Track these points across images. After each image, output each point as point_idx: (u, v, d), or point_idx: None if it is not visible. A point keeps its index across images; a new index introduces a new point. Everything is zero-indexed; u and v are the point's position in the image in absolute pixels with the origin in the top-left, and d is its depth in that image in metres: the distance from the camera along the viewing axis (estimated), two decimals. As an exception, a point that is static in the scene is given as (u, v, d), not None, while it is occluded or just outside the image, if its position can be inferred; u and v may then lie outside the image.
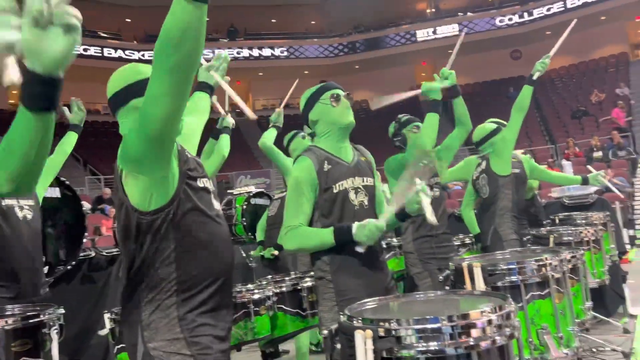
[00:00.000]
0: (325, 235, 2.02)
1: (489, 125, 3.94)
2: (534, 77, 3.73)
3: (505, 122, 4.39)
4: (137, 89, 1.62)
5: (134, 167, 1.51)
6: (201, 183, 1.61)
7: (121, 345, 2.47)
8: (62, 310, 2.27)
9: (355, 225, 1.97)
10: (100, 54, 21.38)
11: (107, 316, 2.52)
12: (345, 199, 2.09)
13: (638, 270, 7.20)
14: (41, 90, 0.99)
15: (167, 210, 1.49)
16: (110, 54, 21.66)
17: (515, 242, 3.54)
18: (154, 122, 1.30)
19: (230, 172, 16.94)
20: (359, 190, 2.13)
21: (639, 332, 4.19)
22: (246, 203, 5.17)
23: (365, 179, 2.18)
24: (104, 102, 22.82)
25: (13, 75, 1.10)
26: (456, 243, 5.04)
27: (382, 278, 2.16)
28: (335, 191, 2.08)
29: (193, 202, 1.55)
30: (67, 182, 4.10)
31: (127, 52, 21.99)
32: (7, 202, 2.53)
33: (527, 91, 3.73)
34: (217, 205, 1.65)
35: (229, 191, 6.10)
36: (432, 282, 3.00)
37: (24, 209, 2.61)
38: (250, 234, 5.00)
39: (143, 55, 22.02)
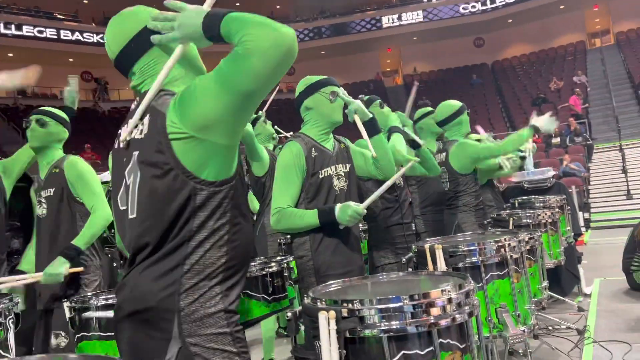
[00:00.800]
0: (310, 217, 2.19)
1: (454, 102, 3.80)
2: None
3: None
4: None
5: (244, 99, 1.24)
6: None
7: (82, 334, 2.42)
8: (18, 300, 2.21)
9: (337, 208, 2.16)
10: (57, 36, 20.59)
11: (66, 305, 2.45)
12: (330, 185, 2.28)
13: (592, 252, 7.51)
14: None
15: (230, 185, 1.30)
16: (67, 36, 20.87)
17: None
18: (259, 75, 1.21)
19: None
20: (340, 176, 2.33)
21: (592, 311, 4.38)
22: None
23: (345, 165, 2.38)
24: (61, 86, 22.06)
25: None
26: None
27: (358, 258, 2.33)
28: (321, 176, 2.26)
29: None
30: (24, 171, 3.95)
31: (85, 34, 21.23)
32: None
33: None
34: None
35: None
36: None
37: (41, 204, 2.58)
38: None
39: (102, 38, 21.23)
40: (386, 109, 3.16)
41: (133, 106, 1.42)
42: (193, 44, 1.41)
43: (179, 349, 1.23)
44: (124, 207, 1.37)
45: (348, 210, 2.13)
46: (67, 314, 2.42)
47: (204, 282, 1.27)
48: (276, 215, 2.21)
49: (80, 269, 2.66)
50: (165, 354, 1.23)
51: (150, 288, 1.27)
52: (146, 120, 1.32)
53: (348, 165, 2.40)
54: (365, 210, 2.18)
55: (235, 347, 1.27)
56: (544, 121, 3.62)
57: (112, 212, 1.47)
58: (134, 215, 1.32)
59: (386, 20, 23.88)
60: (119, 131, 1.45)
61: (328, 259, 2.21)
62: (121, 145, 1.40)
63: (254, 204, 4.09)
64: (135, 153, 1.32)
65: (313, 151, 2.28)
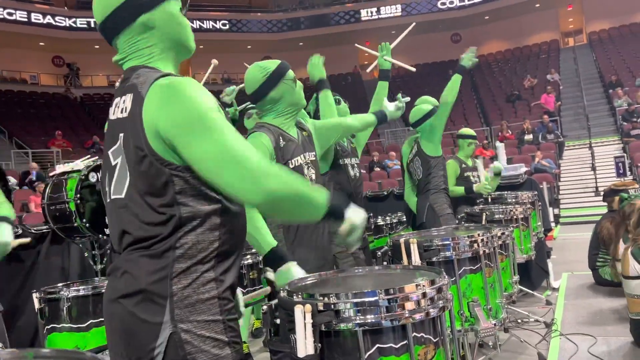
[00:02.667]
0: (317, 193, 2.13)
1: (424, 106, 4.01)
2: (466, 67, 3.84)
3: (472, 133, 4.74)
4: (143, 1, 1.31)
5: None
6: None
7: (52, 325, 2.38)
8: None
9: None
10: (27, 19, 19.95)
11: (35, 295, 2.41)
12: (301, 174, 2.15)
13: (561, 247, 7.70)
14: None
15: None
16: (39, 19, 20.24)
17: (450, 216, 3.72)
18: None
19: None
20: (309, 165, 2.22)
21: (560, 304, 4.49)
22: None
23: (311, 154, 2.26)
24: (31, 71, 21.44)
25: None
26: (394, 220, 5.17)
27: (328, 250, 2.27)
28: (291, 167, 2.14)
29: None
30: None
31: (57, 18, 20.62)
32: None
33: (457, 80, 3.84)
34: None
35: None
36: (356, 262, 2.81)
37: None
38: None
39: (75, 23, 20.77)
40: (343, 104, 3.20)
41: (117, 83, 1.37)
42: (179, 20, 1.36)
43: (170, 334, 1.20)
44: (108, 189, 1.34)
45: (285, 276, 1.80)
46: (37, 305, 2.38)
47: (197, 266, 1.23)
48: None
49: (28, 239, 2.59)
50: (157, 339, 1.20)
51: (141, 271, 1.24)
52: (128, 99, 1.27)
53: (312, 154, 2.28)
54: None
55: (227, 336, 1.23)
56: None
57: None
58: (121, 196, 1.28)
59: (365, 14, 23.89)
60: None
61: (304, 255, 2.10)
62: (106, 125, 1.37)
63: None
64: (121, 135, 1.27)
65: (281, 140, 2.16)
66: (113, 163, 1.30)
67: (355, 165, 2.98)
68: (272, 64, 2.22)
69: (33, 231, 4.16)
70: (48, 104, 20.15)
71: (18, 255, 4.06)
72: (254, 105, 3.99)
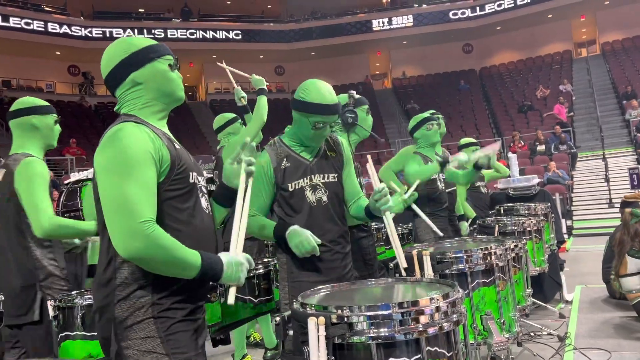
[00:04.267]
0: (269, 230, 2.14)
1: (423, 114, 3.82)
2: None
3: (476, 142, 4.65)
4: (133, 62, 1.55)
5: None
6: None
7: (65, 333, 2.39)
8: (2, 297, 2.17)
9: (290, 231, 2.07)
10: (44, 29, 20.27)
11: (49, 303, 2.42)
12: (301, 197, 2.14)
13: (574, 259, 7.62)
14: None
15: None
16: (55, 29, 20.56)
17: (431, 240, 3.42)
18: None
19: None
20: (318, 187, 2.16)
21: (574, 317, 4.44)
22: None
23: (326, 175, 2.20)
24: (47, 79, 21.75)
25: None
26: (405, 231, 5.12)
27: (337, 266, 2.18)
28: (290, 189, 2.14)
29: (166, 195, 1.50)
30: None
31: (73, 28, 20.93)
32: None
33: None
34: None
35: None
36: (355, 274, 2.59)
37: None
38: None
39: (90, 32, 21.08)
40: (370, 117, 2.95)
41: None
42: (166, 76, 1.58)
43: (115, 350, 1.44)
44: None
45: (295, 239, 2.02)
46: (51, 313, 2.40)
47: (135, 292, 1.44)
48: None
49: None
50: (109, 353, 1.46)
51: (97, 295, 1.50)
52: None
53: (332, 176, 2.21)
54: (317, 247, 2.02)
55: (165, 349, 1.42)
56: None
57: None
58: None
59: (376, 24, 23.94)
60: None
61: (300, 265, 2.11)
62: None
63: None
64: None
65: (284, 162, 2.15)
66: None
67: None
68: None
69: (47, 238, 4.19)
70: (63, 112, 20.38)
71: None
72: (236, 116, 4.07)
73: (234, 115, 4.10)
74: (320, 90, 2.11)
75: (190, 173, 1.53)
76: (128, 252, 1.35)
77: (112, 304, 1.44)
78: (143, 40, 1.59)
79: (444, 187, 3.67)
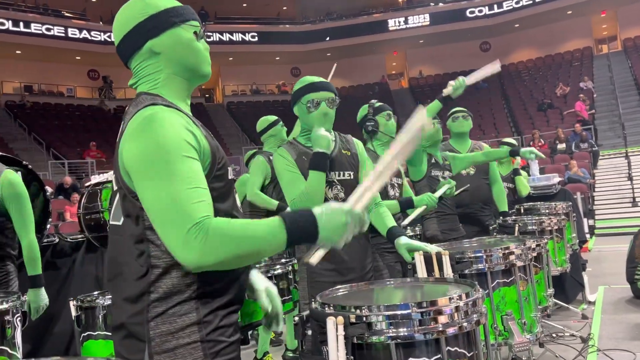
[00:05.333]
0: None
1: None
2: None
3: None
4: (151, 26, 1.28)
5: None
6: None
7: (88, 333, 2.43)
8: (25, 298, 2.22)
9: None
10: (64, 34, 20.64)
11: (72, 303, 2.47)
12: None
13: (596, 259, 7.49)
14: None
15: None
16: (75, 34, 20.91)
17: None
18: None
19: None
20: (334, 184, 2.19)
21: (597, 318, 4.36)
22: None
23: (342, 173, 2.23)
24: (68, 84, 22.13)
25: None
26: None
27: (356, 266, 2.20)
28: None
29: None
30: (30, 167, 3.97)
31: (92, 33, 21.28)
32: None
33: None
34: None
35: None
36: (391, 275, 2.70)
37: None
38: None
39: (109, 37, 21.37)
40: (392, 121, 3.04)
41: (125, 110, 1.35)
42: (189, 45, 1.32)
43: None
44: (109, 213, 1.36)
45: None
46: (73, 313, 2.43)
47: (174, 309, 1.17)
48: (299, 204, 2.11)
49: None
50: None
51: (122, 309, 1.22)
52: (121, 129, 1.27)
53: (348, 173, 2.23)
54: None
55: None
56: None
57: None
58: (118, 223, 1.28)
59: (392, 23, 23.86)
60: None
61: (318, 265, 2.12)
62: None
63: None
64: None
65: (303, 158, 2.19)
66: (115, 189, 1.29)
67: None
68: (298, 85, 2.25)
69: (69, 240, 4.28)
70: (83, 116, 20.75)
71: (54, 264, 4.17)
72: (278, 118, 4.10)
73: (275, 117, 4.15)
74: (305, 78, 2.25)
75: (229, 168, 1.33)
76: (192, 262, 1.10)
77: (145, 323, 1.17)
78: (166, 1, 1.31)
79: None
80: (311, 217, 1.15)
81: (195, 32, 1.33)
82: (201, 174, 1.17)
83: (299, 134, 2.30)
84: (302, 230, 1.14)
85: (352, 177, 2.25)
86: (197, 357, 1.16)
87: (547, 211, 4.55)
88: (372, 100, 3.11)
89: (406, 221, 2.96)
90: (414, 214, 2.85)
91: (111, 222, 1.29)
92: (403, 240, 2.14)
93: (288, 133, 4.09)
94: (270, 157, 3.87)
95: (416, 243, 2.14)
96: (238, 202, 1.40)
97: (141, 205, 1.17)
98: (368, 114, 3.01)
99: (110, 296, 1.31)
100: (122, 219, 1.26)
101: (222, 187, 1.26)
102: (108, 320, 2.38)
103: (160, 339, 1.16)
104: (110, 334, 2.37)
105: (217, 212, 1.19)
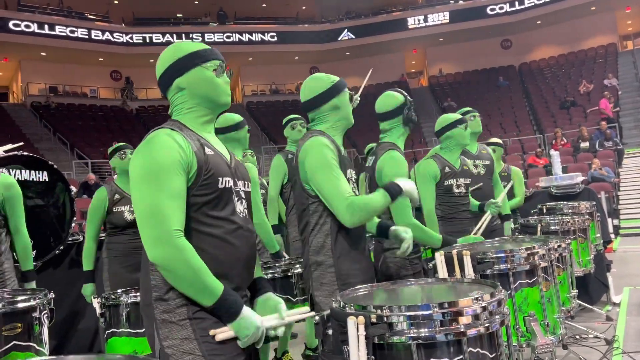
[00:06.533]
0: (381, 197, 2.03)
1: (452, 115, 3.43)
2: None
3: (499, 142, 4.70)
4: (177, 68, 1.59)
5: None
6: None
7: (112, 330, 2.47)
8: (52, 295, 2.27)
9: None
10: (88, 36, 21.00)
11: (96, 301, 2.51)
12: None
13: (621, 259, 7.34)
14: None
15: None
16: (98, 36, 21.27)
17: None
18: None
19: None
20: (351, 181, 2.15)
21: (622, 320, 4.28)
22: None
23: (352, 171, 2.24)
24: (91, 85, 22.51)
25: None
26: None
27: (371, 265, 2.25)
28: (347, 177, 2.14)
29: (202, 199, 1.52)
30: (56, 166, 4.05)
31: (115, 34, 21.62)
32: None
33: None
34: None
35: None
36: (419, 273, 2.67)
37: None
38: None
39: (131, 38, 21.69)
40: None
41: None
42: (210, 81, 1.60)
43: (159, 349, 1.47)
44: None
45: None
46: (98, 310, 2.48)
47: (168, 294, 1.47)
48: (349, 210, 1.96)
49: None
50: (154, 350, 1.50)
51: (140, 293, 1.58)
52: None
53: (353, 172, 2.21)
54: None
55: (201, 351, 1.43)
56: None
57: None
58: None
59: (412, 21, 23.70)
60: None
61: (348, 266, 2.06)
62: None
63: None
64: None
65: (339, 151, 2.11)
66: None
67: None
68: (335, 77, 2.24)
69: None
70: (106, 116, 21.09)
71: (79, 262, 4.25)
72: (297, 117, 3.99)
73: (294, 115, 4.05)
74: (320, 74, 2.25)
75: (220, 178, 1.53)
76: (153, 258, 1.40)
77: (152, 304, 1.48)
78: (191, 45, 1.62)
79: (463, 190, 3.47)
80: (237, 310, 1.47)
81: (214, 69, 1.61)
82: (183, 194, 1.47)
83: (327, 127, 2.18)
84: (226, 311, 1.46)
85: (356, 176, 2.25)
86: (187, 332, 1.45)
87: (570, 211, 4.48)
88: (400, 90, 2.81)
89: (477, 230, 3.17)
90: (483, 223, 3.15)
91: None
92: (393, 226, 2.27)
93: None
94: (289, 156, 3.85)
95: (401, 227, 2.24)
96: (261, 208, 1.55)
97: None
98: (409, 102, 2.71)
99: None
100: None
101: (209, 194, 1.51)
102: (132, 317, 2.41)
103: (161, 318, 1.47)
104: (134, 331, 2.41)
105: (214, 219, 1.50)
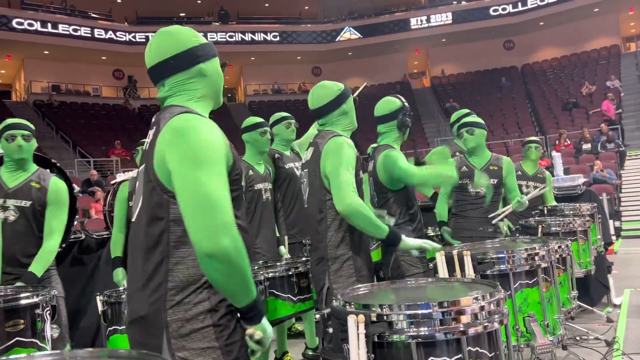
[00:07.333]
0: (382, 231, 2.25)
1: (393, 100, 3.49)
2: None
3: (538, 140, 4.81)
4: (202, 53, 1.49)
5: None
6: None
7: (114, 327, 2.49)
8: (55, 292, 2.28)
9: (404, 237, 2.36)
10: (90, 35, 21.04)
11: (99, 298, 2.53)
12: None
13: (622, 261, 7.34)
14: None
15: None
16: (101, 35, 21.31)
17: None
18: None
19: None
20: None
21: (622, 322, 4.28)
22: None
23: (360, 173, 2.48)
24: (94, 84, 22.54)
25: None
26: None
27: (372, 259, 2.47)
28: (361, 176, 2.39)
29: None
30: (59, 164, 4.07)
31: (118, 33, 21.65)
32: None
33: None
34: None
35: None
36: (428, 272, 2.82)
37: (8, 209, 2.65)
38: None
39: (134, 37, 21.72)
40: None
41: (154, 119, 1.50)
42: (221, 75, 1.54)
43: None
44: (133, 211, 1.48)
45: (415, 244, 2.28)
46: (100, 308, 2.49)
47: (189, 298, 1.31)
48: (354, 210, 2.11)
49: None
50: None
51: (141, 299, 1.35)
52: (151, 133, 1.44)
53: (363, 175, 2.50)
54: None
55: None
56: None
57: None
58: (134, 219, 1.44)
59: (414, 22, 23.68)
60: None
61: (363, 259, 2.27)
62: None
63: None
64: (143, 165, 1.43)
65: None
66: (136, 188, 1.48)
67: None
68: (340, 84, 2.45)
69: (95, 236, 4.37)
70: (108, 115, 21.13)
71: (81, 259, 4.27)
72: (291, 116, 3.98)
73: (282, 115, 3.94)
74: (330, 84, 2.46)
75: (242, 177, 1.51)
76: (211, 249, 1.21)
77: (163, 310, 1.30)
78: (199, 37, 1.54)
79: (477, 192, 3.58)
80: (262, 310, 1.37)
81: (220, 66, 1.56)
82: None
83: (340, 130, 2.38)
84: (259, 309, 1.35)
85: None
86: (210, 340, 1.30)
87: (571, 212, 4.48)
88: (397, 95, 2.93)
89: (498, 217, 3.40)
90: (503, 212, 3.40)
91: (133, 218, 1.45)
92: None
93: (301, 134, 4.03)
94: (276, 155, 3.78)
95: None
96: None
97: (169, 199, 1.33)
98: (405, 109, 2.81)
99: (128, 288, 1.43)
100: (142, 214, 1.40)
101: (235, 191, 1.41)
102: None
103: (177, 325, 1.29)
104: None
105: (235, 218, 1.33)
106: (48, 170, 2.97)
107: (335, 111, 2.38)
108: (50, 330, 2.17)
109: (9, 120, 2.79)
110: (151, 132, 1.44)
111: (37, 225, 2.71)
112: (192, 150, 1.28)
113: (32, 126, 2.83)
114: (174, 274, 1.32)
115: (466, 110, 4.13)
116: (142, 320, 1.33)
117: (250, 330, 1.33)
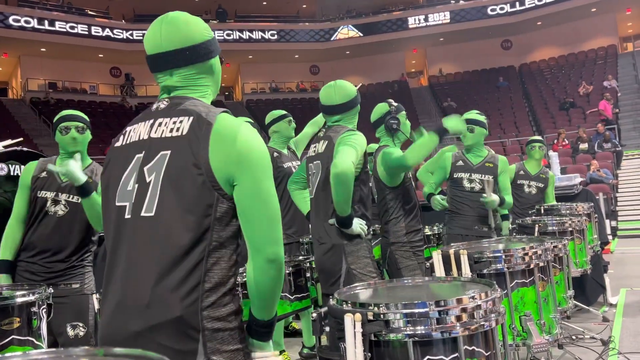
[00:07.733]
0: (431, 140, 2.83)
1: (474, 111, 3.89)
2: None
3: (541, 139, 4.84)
4: (214, 47, 1.44)
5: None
6: None
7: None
8: (51, 290, 2.27)
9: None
10: (88, 33, 20.97)
11: (95, 297, 2.52)
12: None
13: (618, 261, 7.36)
14: None
15: None
16: (98, 32, 21.24)
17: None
18: None
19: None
20: None
21: (618, 321, 4.29)
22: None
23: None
24: (91, 81, 22.48)
25: None
26: (441, 230, 5.06)
27: None
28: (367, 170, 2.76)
29: None
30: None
31: (115, 31, 21.58)
32: (43, 194, 2.63)
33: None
34: None
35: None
36: (421, 274, 2.90)
37: (59, 203, 2.62)
38: None
39: (131, 35, 21.66)
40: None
41: (158, 105, 1.40)
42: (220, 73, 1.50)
43: None
44: (123, 203, 1.33)
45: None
46: (96, 306, 2.48)
47: (221, 299, 1.28)
48: (346, 177, 2.32)
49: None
50: None
51: (172, 300, 1.24)
52: (186, 121, 1.32)
53: None
54: None
55: None
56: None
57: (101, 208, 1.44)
58: (151, 214, 1.28)
59: (412, 21, 23.67)
60: (127, 129, 1.47)
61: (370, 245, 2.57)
62: (129, 141, 1.41)
63: None
64: (166, 152, 1.30)
65: None
66: (148, 178, 1.31)
67: None
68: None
69: (92, 235, 4.35)
70: (105, 112, 21.07)
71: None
72: (287, 113, 4.00)
73: (282, 113, 3.96)
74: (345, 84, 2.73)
75: None
76: (277, 255, 1.28)
77: (198, 313, 1.24)
78: None
79: (472, 187, 3.62)
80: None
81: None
82: None
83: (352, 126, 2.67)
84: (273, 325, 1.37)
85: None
86: (236, 342, 1.29)
87: (568, 212, 4.49)
88: (390, 100, 3.14)
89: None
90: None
91: (143, 214, 1.29)
92: None
93: (298, 131, 4.04)
94: (274, 154, 3.79)
95: None
96: None
97: (220, 197, 1.28)
98: (391, 112, 3.06)
99: (156, 291, 1.26)
100: (168, 206, 1.28)
101: None
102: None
103: (212, 328, 1.25)
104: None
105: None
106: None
107: (353, 109, 2.64)
108: (45, 329, 2.17)
109: (64, 112, 2.72)
110: (183, 121, 1.32)
111: (80, 222, 2.63)
112: (263, 158, 1.32)
113: (86, 118, 2.74)
114: (210, 274, 1.27)
115: (476, 112, 4.12)
116: (176, 322, 1.23)
117: (259, 354, 1.34)
